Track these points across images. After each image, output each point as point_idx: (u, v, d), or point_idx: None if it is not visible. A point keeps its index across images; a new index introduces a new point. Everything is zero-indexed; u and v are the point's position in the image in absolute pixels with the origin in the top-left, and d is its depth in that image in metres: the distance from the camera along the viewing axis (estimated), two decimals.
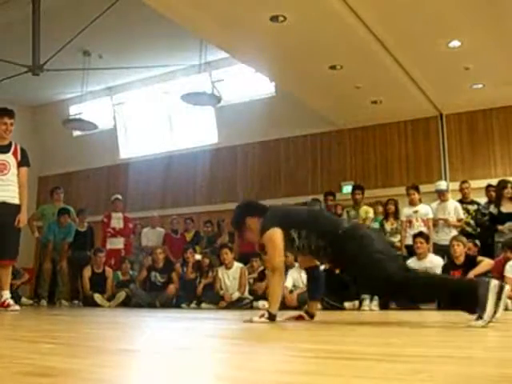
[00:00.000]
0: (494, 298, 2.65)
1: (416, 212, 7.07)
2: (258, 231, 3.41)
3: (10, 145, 5.07)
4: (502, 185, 6.83)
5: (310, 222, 3.35)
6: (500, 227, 6.64)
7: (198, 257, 7.78)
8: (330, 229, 3.26)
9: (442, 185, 7.44)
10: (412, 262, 6.28)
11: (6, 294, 5.02)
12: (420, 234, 6.41)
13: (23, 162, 5.10)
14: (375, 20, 6.09)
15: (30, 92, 11.15)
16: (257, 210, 3.52)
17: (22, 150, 5.14)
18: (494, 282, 2.71)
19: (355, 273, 3.29)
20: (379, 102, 8.37)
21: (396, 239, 7.19)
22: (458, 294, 2.93)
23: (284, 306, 6.41)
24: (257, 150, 10.35)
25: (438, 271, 6.12)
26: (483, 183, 7.63)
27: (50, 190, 9.05)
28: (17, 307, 5.05)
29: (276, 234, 3.28)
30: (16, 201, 5.00)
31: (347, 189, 8.91)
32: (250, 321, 3.24)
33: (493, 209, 6.85)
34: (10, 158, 5.00)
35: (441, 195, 7.23)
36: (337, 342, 2.12)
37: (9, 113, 5.06)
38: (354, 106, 8.61)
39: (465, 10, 5.89)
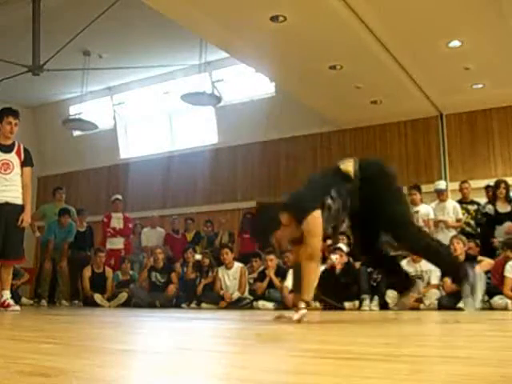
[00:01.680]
0: (481, 288, 3.13)
1: (417, 212, 7.07)
2: (292, 224, 3.25)
3: (13, 144, 5.06)
4: (496, 185, 6.86)
5: (332, 181, 3.33)
6: (494, 240, 6.64)
7: (198, 257, 7.78)
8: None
9: (441, 184, 7.44)
10: (406, 265, 6.26)
11: (7, 294, 5.01)
12: None
13: (27, 161, 5.09)
14: (375, 20, 6.09)
15: (30, 92, 11.15)
16: (278, 207, 3.38)
17: (25, 150, 5.13)
18: (480, 272, 3.13)
19: (381, 208, 3.30)
20: (379, 102, 8.37)
21: None
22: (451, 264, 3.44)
23: (284, 306, 6.44)
24: (257, 150, 10.34)
25: (433, 275, 6.10)
26: (483, 183, 7.63)
27: (53, 190, 9.06)
28: (17, 307, 5.05)
29: (317, 220, 3.16)
30: (19, 201, 5.00)
31: None
32: (286, 318, 3.15)
33: (489, 209, 6.86)
34: (13, 158, 5.00)
35: (440, 195, 7.25)
36: (337, 342, 2.12)
37: (14, 113, 5.06)
38: (353, 106, 8.61)
39: (465, 10, 5.89)
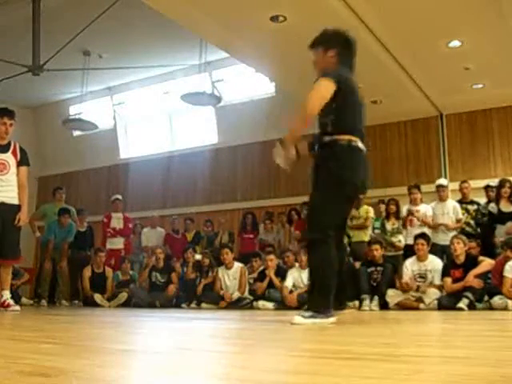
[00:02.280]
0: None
1: (417, 211, 7.07)
2: (319, 67, 3.27)
3: (9, 144, 5.05)
4: (501, 184, 6.86)
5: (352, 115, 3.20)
6: (496, 240, 6.64)
7: (198, 257, 7.78)
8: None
9: (442, 180, 7.49)
10: (411, 263, 6.28)
11: (7, 294, 5.01)
12: (421, 236, 6.36)
13: (23, 161, 5.08)
14: (375, 20, 6.09)
15: (30, 92, 11.15)
16: (342, 56, 3.26)
17: (22, 150, 5.11)
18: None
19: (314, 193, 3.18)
20: (379, 102, 8.37)
21: (396, 239, 7.20)
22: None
23: (284, 305, 6.44)
24: (257, 150, 10.34)
25: (437, 275, 6.11)
26: (483, 183, 7.63)
27: (53, 190, 9.06)
28: (17, 307, 5.05)
29: (328, 85, 3.07)
30: (15, 201, 4.99)
31: None
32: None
33: (492, 208, 6.87)
34: (9, 158, 4.99)
35: (441, 191, 7.20)
36: (336, 342, 2.12)
37: (9, 113, 5.04)
38: None
39: (465, 9, 5.89)
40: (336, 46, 3.27)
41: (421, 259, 6.23)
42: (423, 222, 6.97)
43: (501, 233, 6.67)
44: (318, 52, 3.31)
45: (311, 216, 3.18)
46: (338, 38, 3.30)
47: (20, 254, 5.17)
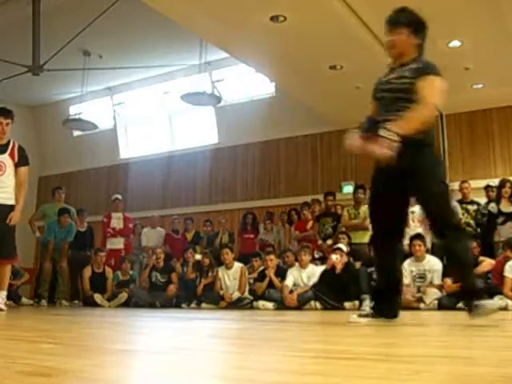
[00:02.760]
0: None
1: (413, 213, 7.06)
2: (400, 47, 2.99)
3: (7, 144, 4.97)
4: (501, 184, 6.85)
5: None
6: (497, 239, 6.63)
7: (198, 257, 7.78)
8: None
9: None
10: (409, 264, 6.27)
11: (3, 295, 4.96)
12: (417, 236, 6.34)
13: (22, 161, 4.99)
14: (375, 20, 6.08)
15: (30, 92, 11.15)
16: (422, 44, 2.99)
17: (20, 149, 5.02)
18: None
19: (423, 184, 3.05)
20: None
21: None
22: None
23: (284, 305, 6.44)
24: (257, 150, 10.35)
25: (436, 275, 6.11)
26: (483, 183, 7.62)
27: (52, 190, 9.05)
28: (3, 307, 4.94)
29: (443, 85, 2.84)
30: (11, 202, 4.93)
31: (347, 189, 8.90)
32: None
33: (492, 207, 6.86)
34: (5, 159, 4.90)
35: None
36: (337, 342, 2.12)
37: (5, 113, 4.96)
38: (353, 106, 8.60)
39: (465, 10, 5.90)
40: (423, 32, 2.99)
41: (419, 260, 6.22)
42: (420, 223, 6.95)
43: (501, 233, 6.65)
44: (401, 32, 2.95)
45: (446, 205, 3.05)
46: (423, 24, 3.00)
47: (15, 253, 5.12)
